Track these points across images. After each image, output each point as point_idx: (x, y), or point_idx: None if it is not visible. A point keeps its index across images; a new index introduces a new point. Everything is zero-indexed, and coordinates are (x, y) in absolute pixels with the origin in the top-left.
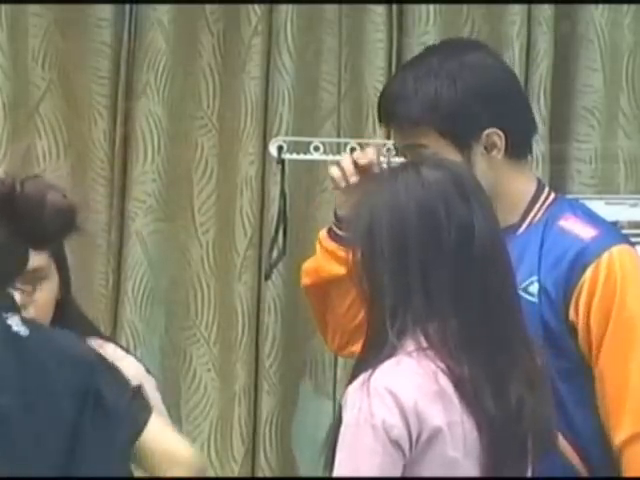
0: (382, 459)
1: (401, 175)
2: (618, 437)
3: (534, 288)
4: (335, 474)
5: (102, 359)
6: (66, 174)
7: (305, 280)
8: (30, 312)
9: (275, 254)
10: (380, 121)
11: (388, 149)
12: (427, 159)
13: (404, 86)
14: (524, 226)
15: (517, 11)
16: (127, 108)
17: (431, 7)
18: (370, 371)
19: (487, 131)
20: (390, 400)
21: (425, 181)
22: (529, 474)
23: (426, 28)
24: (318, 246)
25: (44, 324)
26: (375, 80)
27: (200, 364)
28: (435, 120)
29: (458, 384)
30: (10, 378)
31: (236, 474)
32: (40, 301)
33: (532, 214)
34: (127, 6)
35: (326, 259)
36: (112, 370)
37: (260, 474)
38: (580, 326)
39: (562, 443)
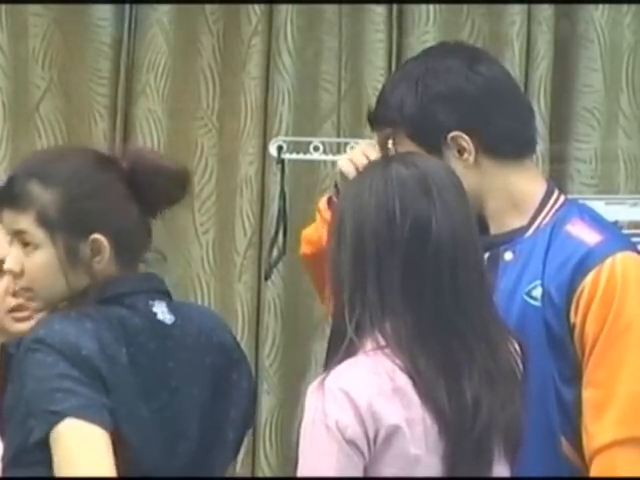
0: (338, 459)
1: (370, 170)
2: (597, 441)
3: (537, 292)
4: (298, 474)
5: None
6: None
7: (305, 249)
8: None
9: (275, 254)
10: None
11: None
12: (401, 155)
13: (383, 91)
14: (532, 229)
15: (517, 11)
16: (127, 108)
17: (431, 7)
18: (327, 372)
19: (451, 134)
20: (344, 400)
21: (388, 177)
22: (497, 473)
23: (426, 28)
24: (318, 216)
25: (187, 302)
26: (375, 80)
27: None
28: (402, 125)
29: (415, 381)
30: (157, 370)
31: (236, 474)
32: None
33: (541, 217)
34: (127, 6)
35: (326, 229)
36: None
37: (260, 474)
38: (577, 329)
39: (567, 447)
